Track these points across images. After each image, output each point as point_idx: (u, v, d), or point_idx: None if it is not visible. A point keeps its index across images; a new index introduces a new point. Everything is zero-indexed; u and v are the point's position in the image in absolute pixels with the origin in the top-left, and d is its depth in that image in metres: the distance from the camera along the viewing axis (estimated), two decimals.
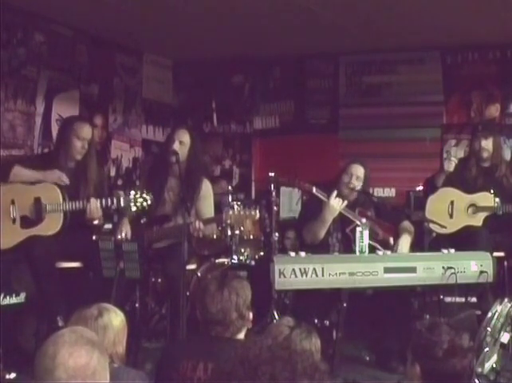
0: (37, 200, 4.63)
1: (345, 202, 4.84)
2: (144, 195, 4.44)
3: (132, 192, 4.46)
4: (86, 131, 4.77)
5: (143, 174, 5.42)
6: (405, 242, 4.95)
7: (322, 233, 4.91)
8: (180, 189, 4.72)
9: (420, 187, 6.47)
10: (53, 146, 6.38)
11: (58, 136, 5.01)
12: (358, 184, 5.00)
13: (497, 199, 5.15)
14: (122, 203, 4.49)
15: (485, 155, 5.29)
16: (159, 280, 5.37)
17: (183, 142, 4.85)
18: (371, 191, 5.37)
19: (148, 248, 4.80)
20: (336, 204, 4.78)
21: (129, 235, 4.72)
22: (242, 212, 4.56)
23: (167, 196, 4.93)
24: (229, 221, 4.67)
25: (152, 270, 5.04)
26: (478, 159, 5.33)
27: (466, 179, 5.35)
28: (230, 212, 4.58)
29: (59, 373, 1.87)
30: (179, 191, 4.75)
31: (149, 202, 4.46)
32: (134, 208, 4.48)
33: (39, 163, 4.80)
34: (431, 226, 5.20)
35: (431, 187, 5.57)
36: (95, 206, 4.53)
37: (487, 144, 5.27)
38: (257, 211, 4.65)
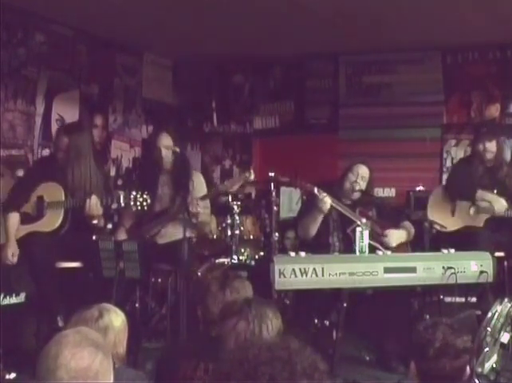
0: (40, 198, 4.67)
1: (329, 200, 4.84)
2: (145, 196, 4.47)
3: (134, 193, 4.47)
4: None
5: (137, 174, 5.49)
6: (396, 233, 4.96)
7: (313, 230, 4.92)
8: (174, 183, 4.90)
9: (420, 187, 6.47)
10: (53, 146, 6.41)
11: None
12: (363, 185, 5.02)
13: (503, 203, 5.16)
14: (122, 202, 4.51)
15: (489, 156, 5.30)
16: (160, 280, 5.37)
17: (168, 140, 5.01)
18: (372, 191, 5.35)
19: (151, 243, 4.82)
20: (324, 202, 4.77)
21: None
22: (236, 176, 4.67)
23: (161, 192, 4.99)
24: (225, 189, 4.79)
25: (152, 270, 5.04)
26: (481, 160, 5.34)
27: (470, 179, 5.34)
28: (226, 182, 4.72)
29: (60, 374, 1.86)
30: (173, 186, 4.91)
31: (149, 201, 4.49)
32: (134, 208, 4.51)
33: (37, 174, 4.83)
34: (432, 225, 5.20)
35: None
36: (95, 202, 4.54)
37: (491, 146, 5.29)
38: (252, 173, 4.74)
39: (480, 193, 5.26)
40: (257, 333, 2.51)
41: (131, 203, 4.44)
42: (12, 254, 4.55)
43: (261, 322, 2.54)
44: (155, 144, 5.02)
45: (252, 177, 4.81)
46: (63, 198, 4.66)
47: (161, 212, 4.97)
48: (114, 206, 4.65)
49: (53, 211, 4.65)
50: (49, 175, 4.74)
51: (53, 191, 4.68)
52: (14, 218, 4.67)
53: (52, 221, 4.66)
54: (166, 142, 4.98)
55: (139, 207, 4.47)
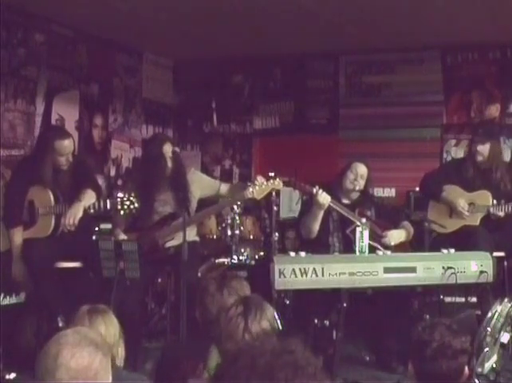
0: (31, 203, 4.63)
1: (329, 198, 4.82)
2: (131, 198, 4.35)
3: (120, 195, 4.37)
4: (66, 146, 4.68)
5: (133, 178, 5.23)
6: (396, 233, 4.96)
7: (315, 228, 4.90)
8: (175, 187, 4.81)
9: None
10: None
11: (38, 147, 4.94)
12: (361, 183, 5.01)
13: (495, 202, 5.17)
14: (108, 207, 4.45)
15: (479, 158, 5.26)
16: (159, 280, 5.37)
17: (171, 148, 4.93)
18: (371, 191, 5.35)
19: (163, 248, 4.78)
20: (322, 198, 4.76)
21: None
22: (263, 183, 4.59)
23: (164, 197, 4.91)
24: (251, 196, 4.65)
25: (161, 272, 5.01)
26: (473, 161, 5.32)
27: (463, 180, 5.34)
28: (251, 188, 4.59)
29: (60, 374, 1.86)
30: (176, 190, 4.81)
31: (136, 205, 4.36)
32: (122, 212, 4.40)
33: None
34: (432, 226, 5.20)
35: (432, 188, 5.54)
36: (75, 211, 4.51)
37: (483, 148, 5.25)
38: (280, 181, 4.66)
39: (446, 192, 5.28)
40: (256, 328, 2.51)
41: (119, 207, 4.34)
42: (18, 273, 4.57)
43: (256, 315, 2.54)
44: (159, 153, 4.87)
45: (281, 185, 4.72)
46: (52, 203, 4.60)
47: (170, 216, 4.87)
48: (101, 210, 4.57)
49: (44, 216, 4.61)
50: (35, 177, 4.65)
51: (42, 196, 4.63)
52: (19, 231, 4.64)
53: (44, 228, 4.62)
54: (170, 152, 4.88)
55: (126, 211, 4.35)
